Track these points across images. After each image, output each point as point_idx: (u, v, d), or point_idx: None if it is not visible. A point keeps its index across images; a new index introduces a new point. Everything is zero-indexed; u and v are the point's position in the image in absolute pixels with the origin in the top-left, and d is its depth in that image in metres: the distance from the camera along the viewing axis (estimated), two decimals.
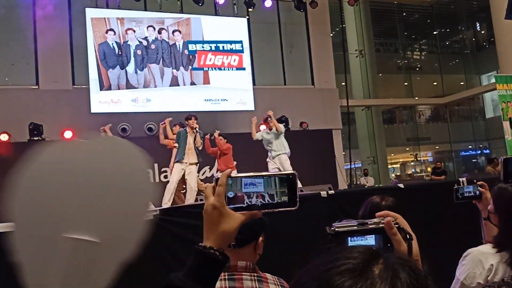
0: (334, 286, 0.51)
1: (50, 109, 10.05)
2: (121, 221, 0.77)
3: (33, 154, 0.78)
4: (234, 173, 0.91)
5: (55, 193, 0.74)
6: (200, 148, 7.14)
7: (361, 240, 0.84)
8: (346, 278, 0.52)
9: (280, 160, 7.53)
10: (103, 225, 0.75)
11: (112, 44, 10.24)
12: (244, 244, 1.64)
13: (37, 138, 9.06)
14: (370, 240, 0.85)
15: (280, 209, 0.90)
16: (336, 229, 0.85)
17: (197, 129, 7.02)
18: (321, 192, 3.81)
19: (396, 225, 0.84)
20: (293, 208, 0.90)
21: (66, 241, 0.73)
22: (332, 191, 3.94)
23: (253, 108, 11.31)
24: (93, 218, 0.75)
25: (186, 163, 6.90)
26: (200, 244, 0.87)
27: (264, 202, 0.89)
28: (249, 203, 0.89)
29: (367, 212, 2.20)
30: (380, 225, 0.85)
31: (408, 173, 21.32)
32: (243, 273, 1.62)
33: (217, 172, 8.60)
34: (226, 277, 1.58)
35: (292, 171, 0.92)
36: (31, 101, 10.11)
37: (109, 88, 10.13)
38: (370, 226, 0.85)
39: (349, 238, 0.84)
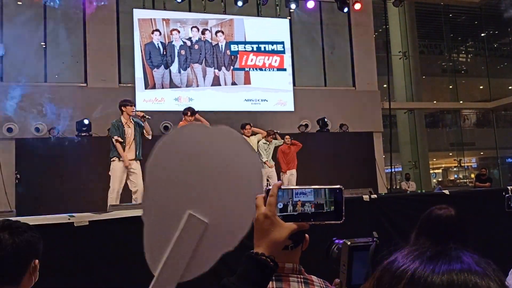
0: (425, 276, 0.53)
1: (97, 106, 10.41)
2: (231, 212, 0.85)
3: (172, 131, 0.87)
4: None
5: (182, 169, 0.85)
6: (150, 138, 6.02)
7: None
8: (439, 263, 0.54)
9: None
10: (214, 209, 0.84)
11: (158, 44, 10.50)
12: (297, 246, 1.67)
13: (85, 134, 9.41)
14: None
15: (326, 222, 0.93)
16: None
17: (146, 117, 6.03)
18: (364, 196, 3.77)
19: None
20: (339, 222, 0.93)
21: (183, 214, 0.82)
22: (375, 196, 3.87)
23: (292, 109, 11.30)
24: (207, 200, 0.84)
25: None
26: (252, 251, 0.90)
27: (313, 211, 0.92)
28: (299, 211, 0.92)
29: (429, 225, 2.10)
30: None
31: (451, 179, 20.67)
32: (290, 274, 1.64)
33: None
34: (273, 278, 1.60)
35: (339, 186, 0.94)
36: (79, 98, 10.51)
37: (154, 87, 10.40)
38: None
39: None
